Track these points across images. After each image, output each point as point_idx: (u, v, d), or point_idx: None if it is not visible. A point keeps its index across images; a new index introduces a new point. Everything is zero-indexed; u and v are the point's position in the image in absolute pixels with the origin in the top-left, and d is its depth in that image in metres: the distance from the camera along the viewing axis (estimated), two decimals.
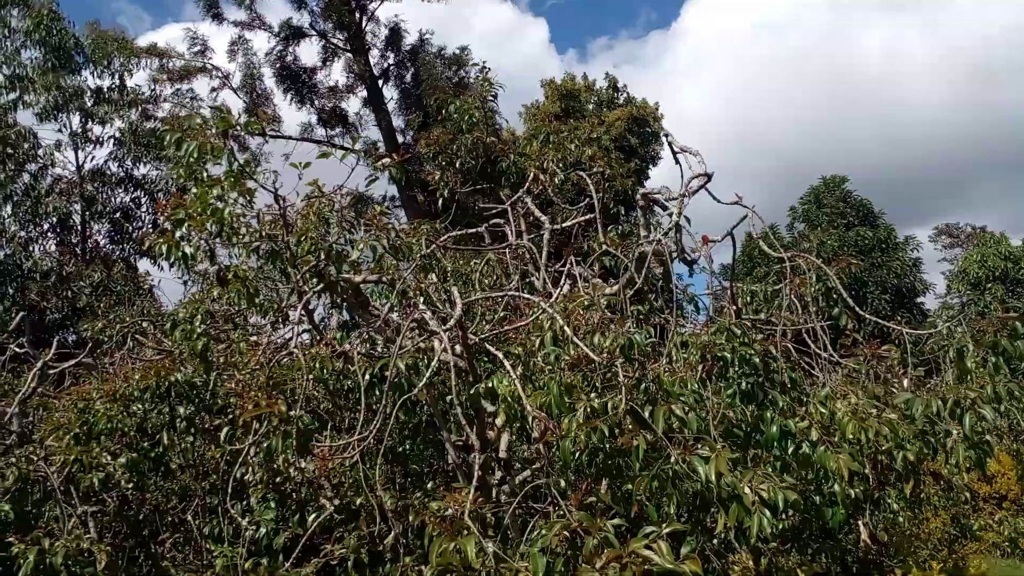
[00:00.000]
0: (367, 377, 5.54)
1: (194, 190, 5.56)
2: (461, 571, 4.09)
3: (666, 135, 6.28)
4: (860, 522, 9.24)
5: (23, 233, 17.54)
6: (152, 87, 22.97)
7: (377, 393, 5.82)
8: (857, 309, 6.79)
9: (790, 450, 5.19)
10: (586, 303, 5.41)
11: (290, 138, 25.56)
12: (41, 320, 15.26)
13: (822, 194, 31.10)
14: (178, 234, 5.55)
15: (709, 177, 5.91)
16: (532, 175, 6.84)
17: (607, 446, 4.59)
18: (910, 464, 5.29)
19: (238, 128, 5.66)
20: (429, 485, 6.80)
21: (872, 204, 30.34)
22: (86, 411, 6.70)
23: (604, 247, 6.69)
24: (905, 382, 6.18)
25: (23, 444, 7.29)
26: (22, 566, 6.06)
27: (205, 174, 5.63)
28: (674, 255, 6.05)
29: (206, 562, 6.57)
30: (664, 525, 4.12)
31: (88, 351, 8.82)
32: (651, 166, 24.82)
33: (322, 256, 5.61)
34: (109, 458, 6.71)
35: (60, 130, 18.65)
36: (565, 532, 4.19)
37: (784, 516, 6.53)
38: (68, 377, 8.95)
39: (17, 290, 16.34)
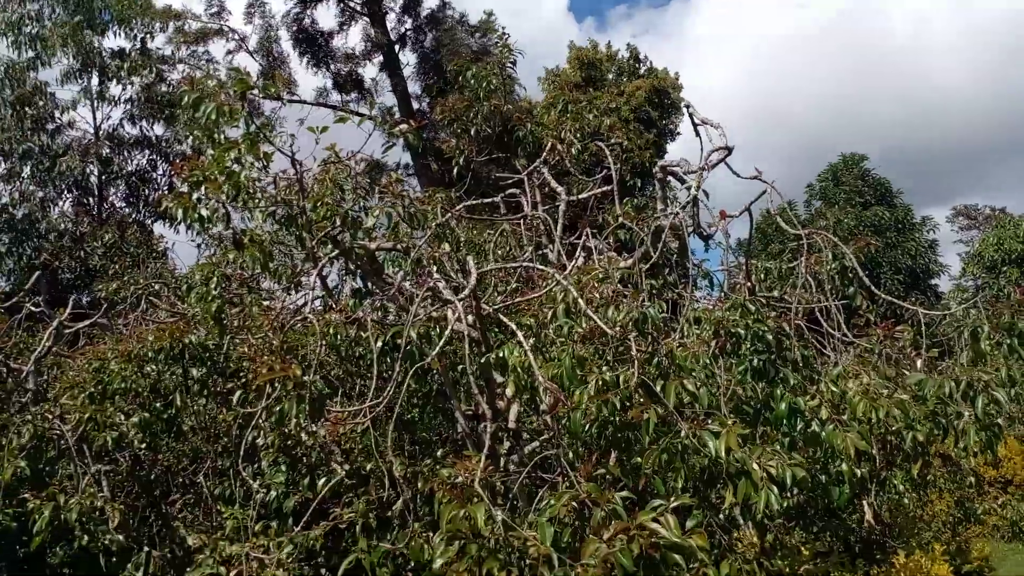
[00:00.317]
0: (379, 344, 5.55)
1: (211, 152, 5.53)
2: (470, 537, 4.12)
3: (687, 105, 6.18)
4: (865, 502, 9.26)
5: (40, 193, 17.60)
6: (171, 50, 22.86)
7: (388, 361, 5.84)
8: (873, 288, 6.74)
9: (798, 428, 5.18)
10: (600, 276, 5.38)
11: (305, 102, 25.39)
12: (55, 280, 15.37)
13: (840, 172, 30.75)
14: (195, 196, 5.55)
15: (729, 150, 5.82)
16: (549, 145, 6.77)
17: (617, 419, 4.59)
18: (919, 445, 5.27)
19: (256, 91, 5.60)
20: (439, 453, 6.85)
21: (891, 183, 30.01)
22: (101, 371, 6.76)
23: (620, 220, 6.63)
24: (919, 363, 6.13)
25: (38, 402, 7.38)
26: (37, 521, 6.18)
27: (222, 136, 5.61)
28: (690, 229, 5.99)
29: (216, 523, 6.65)
30: (672, 499, 4.14)
31: (103, 312, 8.88)
32: (670, 139, 24.55)
33: (337, 222, 5.59)
34: (122, 418, 6.78)
35: (82, 92, 18.56)
36: (573, 503, 4.21)
37: (790, 494, 6.54)
38: (82, 337, 9.04)
39: (33, 249, 16.45)
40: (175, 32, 23.54)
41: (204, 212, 5.59)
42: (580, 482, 4.28)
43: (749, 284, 6.60)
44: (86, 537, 6.42)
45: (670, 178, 6.37)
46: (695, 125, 6.05)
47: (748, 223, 6.27)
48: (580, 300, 5.10)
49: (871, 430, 5.20)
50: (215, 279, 6.42)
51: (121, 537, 6.60)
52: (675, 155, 25.13)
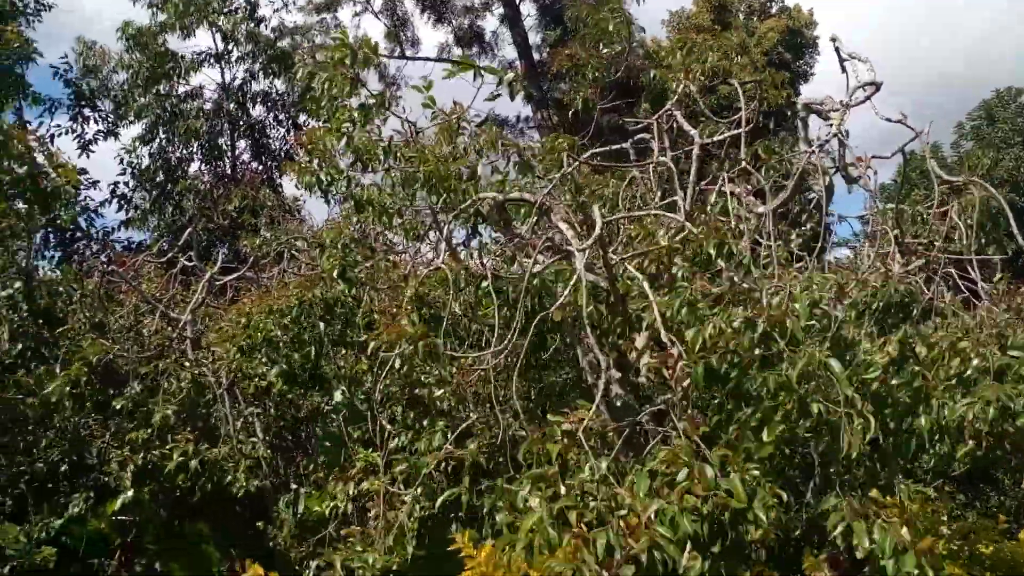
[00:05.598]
0: (495, 292, 5.61)
1: (322, 123, 5.80)
2: (555, 483, 4.08)
3: (833, 39, 5.75)
4: None
5: (176, 154, 18.60)
6: (303, 18, 23.54)
7: (508, 311, 5.89)
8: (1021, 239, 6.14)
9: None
10: (731, 220, 5.15)
11: (427, 59, 25.89)
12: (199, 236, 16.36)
13: (995, 108, 28.13)
14: (314, 163, 5.84)
15: (878, 86, 5.39)
16: (681, 86, 6.50)
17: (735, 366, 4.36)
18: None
19: (358, 57, 5.72)
20: (547, 406, 6.89)
21: None
22: (248, 326, 7.23)
23: (748, 162, 6.31)
24: None
25: (195, 350, 8.00)
26: (167, 466, 6.85)
27: (337, 104, 5.81)
28: (833, 171, 5.61)
29: (352, 463, 7.01)
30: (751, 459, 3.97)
31: (250, 266, 9.46)
32: (803, 81, 23.20)
33: (458, 178, 5.65)
34: (267, 368, 7.26)
35: (208, 54, 19.09)
36: (672, 459, 4.08)
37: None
38: (229, 289, 9.68)
39: (174, 207, 17.60)
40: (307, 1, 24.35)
41: (322, 177, 5.88)
42: (690, 436, 4.15)
43: (896, 232, 6.18)
44: (237, 479, 7.00)
45: (809, 116, 5.98)
46: (841, 60, 5.63)
47: (892, 167, 5.83)
48: (711, 249, 4.90)
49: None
50: (342, 239, 6.74)
51: (268, 482, 7.14)
52: (808, 97, 23.66)
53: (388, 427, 6.35)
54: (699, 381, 4.42)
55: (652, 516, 3.70)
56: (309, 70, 5.82)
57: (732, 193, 5.25)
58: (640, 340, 5.10)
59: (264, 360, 7.30)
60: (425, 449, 6.08)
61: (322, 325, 6.99)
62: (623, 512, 3.82)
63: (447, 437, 6.02)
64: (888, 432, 4.58)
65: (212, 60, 18.96)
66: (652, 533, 3.63)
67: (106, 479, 7.55)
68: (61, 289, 8.37)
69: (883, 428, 4.52)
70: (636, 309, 5.00)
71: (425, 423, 6.38)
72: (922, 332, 4.85)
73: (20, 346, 7.89)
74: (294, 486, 7.40)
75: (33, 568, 7.84)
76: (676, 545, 3.59)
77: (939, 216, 6.05)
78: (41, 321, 8.08)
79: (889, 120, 5.22)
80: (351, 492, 6.02)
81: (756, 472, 3.87)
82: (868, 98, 5.48)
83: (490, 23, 26.34)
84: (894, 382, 4.35)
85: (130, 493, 7.11)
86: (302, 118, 19.24)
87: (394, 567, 5.70)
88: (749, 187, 5.66)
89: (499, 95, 6.13)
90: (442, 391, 6.34)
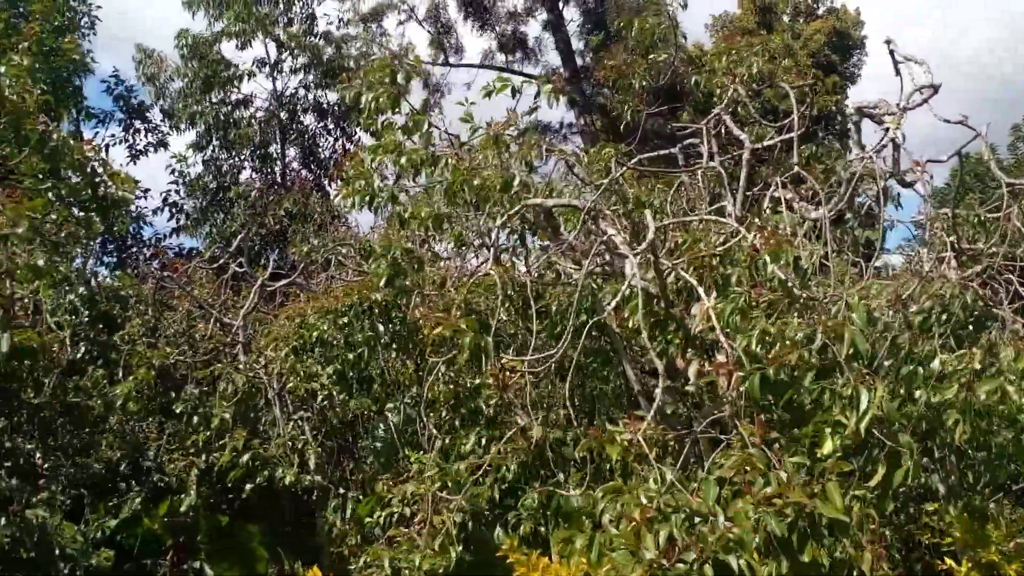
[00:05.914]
0: (536, 298, 5.61)
1: (368, 137, 5.91)
2: (631, 492, 4.04)
3: (887, 41, 5.65)
4: None
5: (228, 162, 18.91)
6: (351, 29, 23.83)
7: (557, 319, 5.89)
8: None
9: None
10: (786, 228, 5.07)
11: (471, 66, 26.08)
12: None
13: None
14: (358, 184, 5.98)
15: (936, 89, 5.28)
16: (730, 90, 6.44)
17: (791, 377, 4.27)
18: None
19: (401, 72, 5.83)
20: (601, 411, 6.86)
21: None
22: (302, 326, 7.35)
23: (798, 168, 6.22)
24: None
25: (246, 354, 8.16)
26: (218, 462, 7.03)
27: (385, 120, 5.94)
28: (888, 176, 5.50)
29: (402, 467, 7.07)
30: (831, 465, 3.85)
31: (300, 271, 9.63)
32: (849, 84, 22.71)
33: (500, 185, 5.69)
34: (319, 368, 7.36)
35: (261, 62, 19.32)
36: (742, 466, 4.02)
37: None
38: (278, 295, 9.85)
39: (225, 214, 17.91)
40: (350, 11, 24.67)
41: (358, 201, 6.05)
42: (757, 443, 4.08)
43: (952, 238, 6.02)
44: (288, 476, 7.10)
45: (862, 121, 5.88)
46: (895, 64, 5.52)
47: (945, 170, 5.69)
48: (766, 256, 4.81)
49: None
50: (393, 248, 6.84)
51: (319, 478, 7.23)
52: (855, 100, 23.16)
53: (434, 432, 6.39)
54: (755, 393, 4.34)
55: (728, 518, 3.61)
56: (356, 91, 5.96)
57: (785, 199, 5.18)
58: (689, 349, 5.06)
59: (317, 360, 7.40)
60: (455, 454, 6.11)
61: (380, 327, 7.07)
62: (683, 515, 3.77)
63: (482, 443, 6.04)
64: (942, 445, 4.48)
65: (268, 69, 19.25)
66: (727, 532, 3.51)
67: (166, 479, 7.74)
68: (124, 293, 8.61)
69: (941, 443, 4.42)
70: (680, 312, 4.96)
71: (459, 427, 6.41)
72: (997, 343, 4.72)
73: (82, 350, 8.14)
74: (342, 491, 7.49)
75: (90, 569, 8.06)
76: (747, 550, 3.50)
77: (1004, 219, 5.88)
78: (101, 326, 8.32)
79: (948, 121, 5.10)
80: (407, 495, 6.06)
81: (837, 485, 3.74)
82: (925, 101, 5.37)
83: (533, 29, 26.47)
84: (984, 398, 4.21)
85: (193, 494, 7.28)
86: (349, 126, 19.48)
87: (440, 570, 5.73)
88: (802, 191, 5.57)
89: (538, 106, 6.21)
90: (487, 394, 6.35)
